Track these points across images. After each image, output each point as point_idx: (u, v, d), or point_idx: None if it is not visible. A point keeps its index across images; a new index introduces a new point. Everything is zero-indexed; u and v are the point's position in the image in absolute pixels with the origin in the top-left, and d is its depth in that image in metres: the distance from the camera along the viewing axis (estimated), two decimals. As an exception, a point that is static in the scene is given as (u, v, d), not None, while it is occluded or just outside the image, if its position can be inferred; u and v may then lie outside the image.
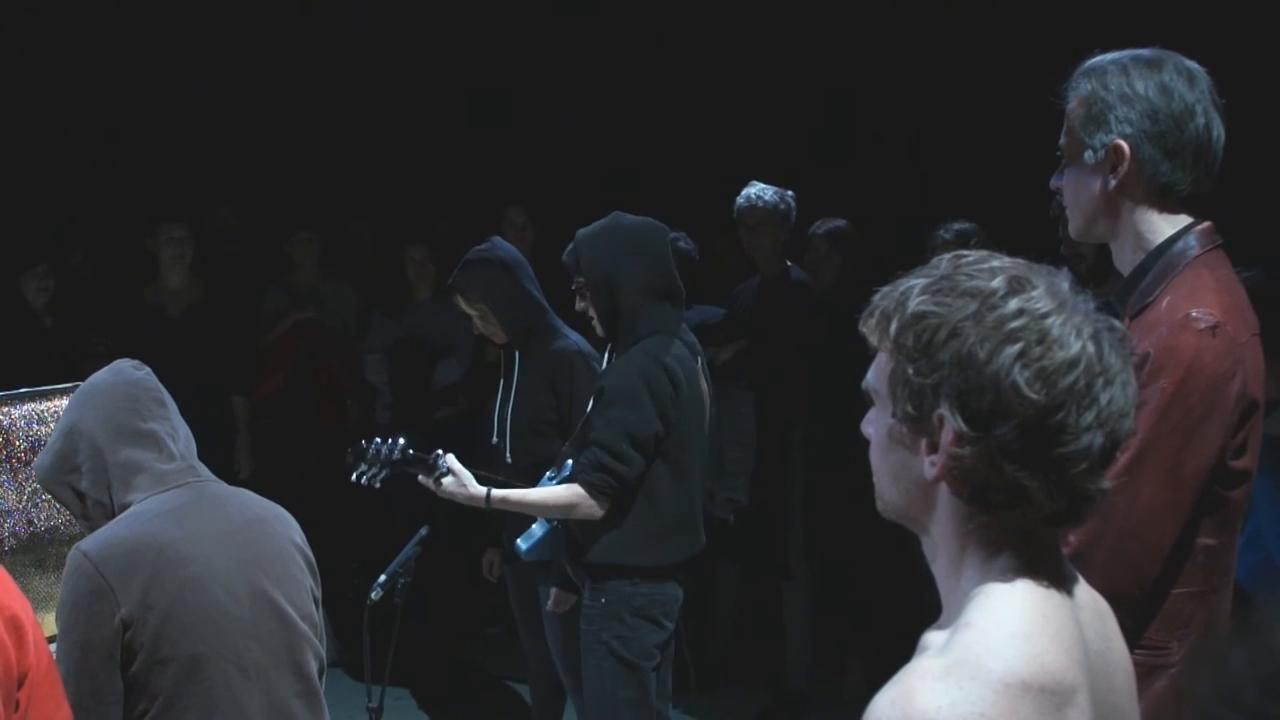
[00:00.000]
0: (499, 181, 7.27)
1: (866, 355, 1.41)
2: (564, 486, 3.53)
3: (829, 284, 5.49)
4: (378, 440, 3.50)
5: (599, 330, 3.71)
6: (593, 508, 3.49)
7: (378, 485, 3.53)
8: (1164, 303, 2.07)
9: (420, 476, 3.51)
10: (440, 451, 3.52)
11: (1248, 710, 0.98)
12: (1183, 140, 2.09)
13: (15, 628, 1.89)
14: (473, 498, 3.51)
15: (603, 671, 3.57)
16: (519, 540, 3.69)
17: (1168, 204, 2.13)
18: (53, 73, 7.49)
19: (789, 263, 5.34)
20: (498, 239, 4.24)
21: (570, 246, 3.70)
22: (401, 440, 3.52)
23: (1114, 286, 2.25)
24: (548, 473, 3.70)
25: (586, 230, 3.67)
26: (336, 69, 7.93)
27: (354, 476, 3.51)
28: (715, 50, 7.31)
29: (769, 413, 5.26)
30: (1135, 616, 1.98)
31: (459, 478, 3.51)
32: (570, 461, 3.65)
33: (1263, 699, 0.98)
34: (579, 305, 3.75)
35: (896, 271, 1.39)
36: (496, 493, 3.52)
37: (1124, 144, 2.10)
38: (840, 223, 5.64)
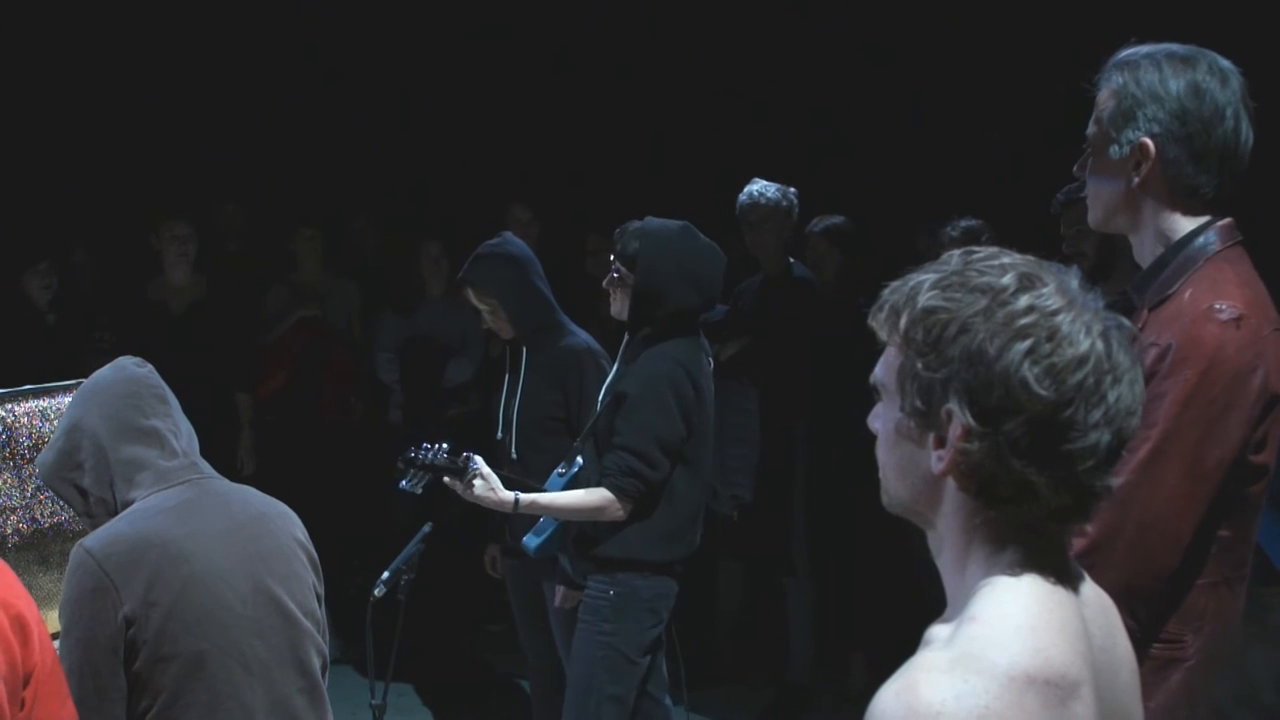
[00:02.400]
0: (503, 179, 7.27)
1: (869, 351, 1.41)
2: (591, 490, 3.54)
3: (829, 281, 5.49)
4: (425, 446, 3.51)
5: (615, 311, 3.72)
6: (619, 511, 3.53)
7: (419, 491, 3.53)
8: (1186, 295, 2.05)
9: (447, 480, 3.52)
10: (469, 454, 3.53)
11: (1265, 711, 0.98)
12: (1210, 144, 2.07)
13: (20, 625, 1.88)
14: (501, 502, 3.53)
15: (595, 663, 3.58)
16: (527, 537, 3.69)
17: (1190, 206, 2.11)
18: (55, 70, 7.49)
19: (791, 260, 5.35)
20: (509, 234, 4.26)
21: (630, 229, 3.68)
22: (444, 445, 3.53)
23: (1118, 284, 2.24)
24: (557, 469, 3.70)
25: (657, 226, 3.65)
26: (340, 66, 7.93)
27: (401, 484, 3.52)
28: (718, 47, 7.31)
29: (772, 409, 5.26)
30: (1151, 608, 1.97)
31: (487, 481, 3.52)
32: (580, 458, 3.66)
33: None
34: (606, 283, 3.74)
35: (901, 267, 1.39)
36: (524, 497, 3.54)
37: (1150, 143, 2.08)
38: (838, 220, 5.64)
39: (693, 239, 3.65)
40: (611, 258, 3.72)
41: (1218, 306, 2.01)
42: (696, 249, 3.64)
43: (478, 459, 3.53)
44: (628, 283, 3.64)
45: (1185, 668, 2.03)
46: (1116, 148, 2.11)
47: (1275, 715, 0.97)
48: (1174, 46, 2.12)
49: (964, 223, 4.80)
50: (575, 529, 3.65)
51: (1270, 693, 0.98)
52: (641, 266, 3.60)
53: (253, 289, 6.29)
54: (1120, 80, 2.11)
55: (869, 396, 1.44)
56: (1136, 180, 2.11)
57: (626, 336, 3.73)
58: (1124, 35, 2.19)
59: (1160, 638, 2.01)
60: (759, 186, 5.21)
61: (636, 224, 3.70)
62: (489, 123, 7.96)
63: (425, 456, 3.49)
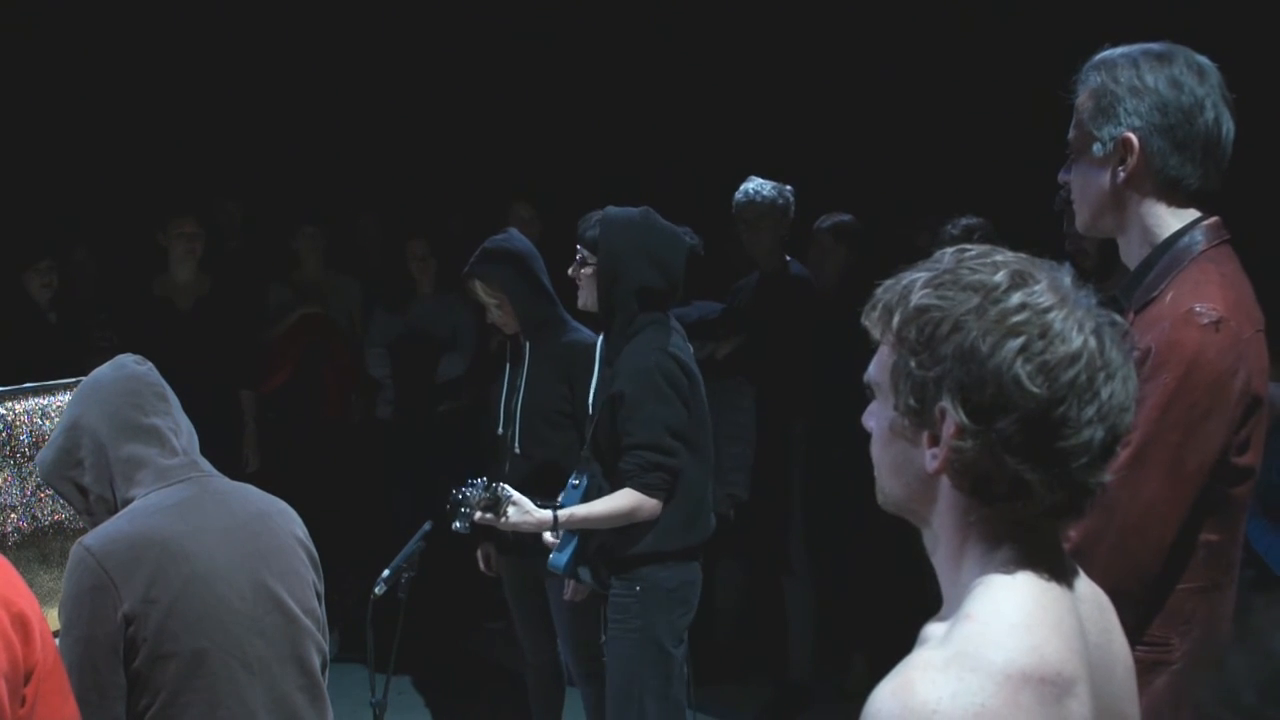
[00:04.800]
0: (505, 176, 7.28)
1: (868, 349, 1.41)
2: (620, 493, 3.54)
3: (834, 279, 5.48)
4: (470, 482, 3.54)
5: (583, 302, 3.76)
6: (654, 507, 3.54)
7: (468, 530, 3.57)
8: (1168, 297, 2.05)
9: (479, 515, 3.53)
10: (499, 485, 3.55)
11: (1246, 712, 0.98)
12: (1192, 134, 2.06)
13: (22, 624, 1.88)
14: (540, 522, 3.54)
15: (631, 660, 3.59)
16: (553, 556, 3.65)
17: (1176, 198, 2.10)
18: (56, 69, 7.49)
19: (788, 258, 5.34)
20: (514, 230, 4.31)
21: (593, 219, 3.74)
22: (482, 480, 3.56)
23: (1118, 282, 2.23)
24: (571, 480, 3.69)
25: (616, 214, 3.70)
26: (341, 64, 7.93)
27: (454, 525, 3.54)
28: (718, 46, 7.31)
29: (769, 407, 5.27)
30: (1137, 612, 1.97)
31: (520, 506, 3.54)
32: (588, 468, 3.67)
33: (1261, 702, 0.98)
34: (571, 271, 3.79)
35: (900, 265, 1.39)
36: (562, 513, 3.55)
37: (1133, 136, 2.07)
38: (845, 217, 5.63)
39: (652, 221, 3.69)
40: (578, 247, 3.76)
41: (1198, 310, 2.00)
42: (655, 230, 3.67)
43: (507, 487, 3.55)
44: (589, 263, 3.70)
45: (1171, 671, 2.03)
46: (1099, 145, 2.11)
47: (1257, 716, 0.97)
48: (1149, 45, 2.12)
49: (965, 220, 4.81)
50: (598, 538, 3.64)
51: (1251, 694, 0.98)
52: (602, 249, 3.65)
53: (255, 286, 6.30)
54: (1098, 80, 2.11)
55: (866, 394, 1.44)
56: (1122, 175, 2.10)
57: (602, 338, 3.76)
58: (1126, 31, 2.19)
59: (1145, 640, 2.00)
60: (755, 185, 5.21)
61: (597, 212, 3.75)
62: (491, 121, 7.97)
63: (470, 495, 3.51)
